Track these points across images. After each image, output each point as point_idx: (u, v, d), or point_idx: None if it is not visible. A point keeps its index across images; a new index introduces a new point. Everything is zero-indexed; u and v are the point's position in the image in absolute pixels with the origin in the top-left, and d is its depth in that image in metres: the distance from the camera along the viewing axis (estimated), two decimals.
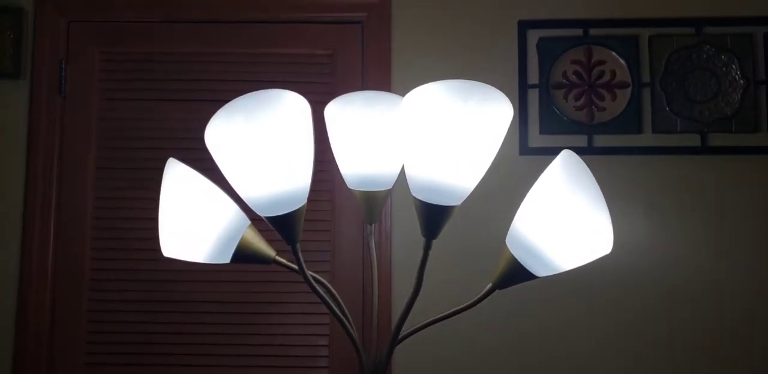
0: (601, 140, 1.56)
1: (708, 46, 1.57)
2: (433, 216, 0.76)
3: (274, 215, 0.78)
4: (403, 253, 1.55)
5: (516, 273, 0.81)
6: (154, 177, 1.59)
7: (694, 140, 1.55)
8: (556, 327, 1.53)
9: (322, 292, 0.86)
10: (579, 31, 1.59)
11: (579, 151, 1.58)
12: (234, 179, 0.77)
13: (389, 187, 0.93)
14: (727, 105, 1.55)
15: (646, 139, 1.56)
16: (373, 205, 0.92)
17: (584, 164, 0.81)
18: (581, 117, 1.56)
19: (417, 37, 1.61)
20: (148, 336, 1.57)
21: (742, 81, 1.55)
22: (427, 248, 0.79)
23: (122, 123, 1.63)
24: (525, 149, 1.56)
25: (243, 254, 0.86)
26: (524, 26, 1.59)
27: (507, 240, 0.82)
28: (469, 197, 0.76)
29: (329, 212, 1.58)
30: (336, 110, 0.93)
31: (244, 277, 1.57)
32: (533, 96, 1.57)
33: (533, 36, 1.59)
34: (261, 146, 0.74)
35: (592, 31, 1.59)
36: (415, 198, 0.77)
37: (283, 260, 0.89)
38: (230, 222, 0.86)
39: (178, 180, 0.87)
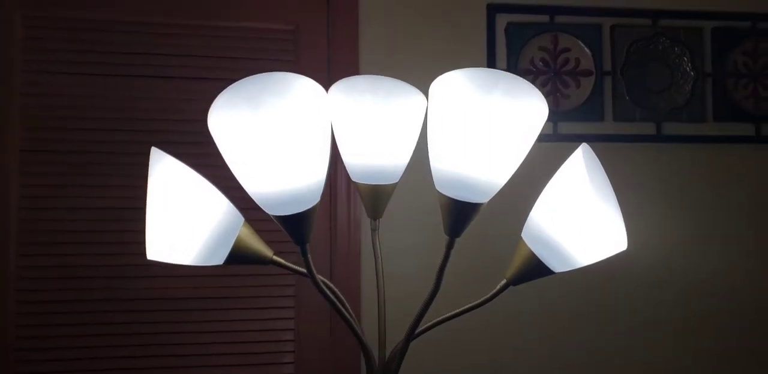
0: (565, 128, 1.58)
1: (663, 38, 1.62)
2: (461, 214, 0.71)
3: (287, 214, 0.69)
4: (389, 249, 1.49)
5: (534, 269, 0.78)
6: (89, 162, 1.43)
7: (651, 129, 1.61)
8: (545, 314, 1.55)
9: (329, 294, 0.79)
10: (546, 18, 1.58)
11: (545, 138, 1.59)
12: (242, 174, 0.68)
13: (396, 180, 0.87)
14: (680, 95, 1.62)
15: (608, 127, 1.59)
16: (379, 199, 0.86)
17: (598, 159, 0.79)
18: (548, 104, 1.56)
19: (385, 16, 1.53)
20: (87, 339, 1.40)
21: (692, 73, 1.62)
22: (450, 247, 0.75)
23: (50, 100, 1.42)
24: None
25: (238, 255, 0.78)
26: (493, 10, 1.56)
27: (523, 234, 0.79)
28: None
29: None
30: (340, 96, 0.85)
31: (197, 271, 1.43)
32: None
33: (502, 20, 1.56)
34: (273, 139, 0.65)
35: (558, 18, 1.59)
36: (440, 194, 0.71)
37: (282, 261, 0.81)
38: (224, 220, 0.77)
39: (166, 174, 0.76)
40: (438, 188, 0.70)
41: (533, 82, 1.56)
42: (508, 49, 1.56)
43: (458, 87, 0.68)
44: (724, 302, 1.62)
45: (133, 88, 1.44)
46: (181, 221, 0.76)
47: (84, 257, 1.41)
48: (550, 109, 1.62)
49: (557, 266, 0.75)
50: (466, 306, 0.79)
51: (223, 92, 0.65)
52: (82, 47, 1.44)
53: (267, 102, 0.65)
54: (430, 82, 0.70)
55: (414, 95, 0.82)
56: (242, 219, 0.77)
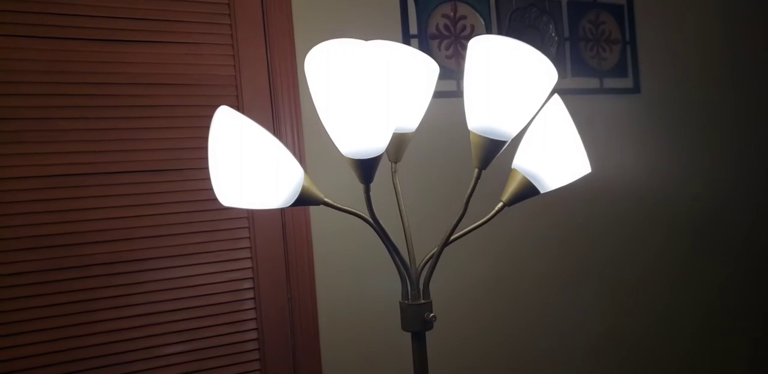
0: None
1: (535, 8, 1.95)
2: (490, 150, 0.92)
3: (366, 158, 0.85)
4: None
5: (524, 191, 1.01)
6: (22, 129, 1.37)
7: None
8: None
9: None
10: None
11: (448, 94, 1.85)
12: (330, 122, 0.82)
13: (414, 129, 1.05)
14: (548, 57, 1.97)
15: None
16: (401, 145, 1.04)
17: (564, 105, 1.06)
18: (452, 65, 1.82)
19: None
20: (46, 309, 1.39)
21: (556, 38, 1.99)
22: (478, 177, 0.96)
23: None
24: None
25: (303, 198, 0.91)
26: None
27: (514, 165, 1.03)
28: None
29: None
30: None
31: (147, 232, 1.48)
32: (414, 45, 1.77)
33: None
34: (369, 93, 0.78)
35: None
36: (474, 134, 0.92)
37: (331, 202, 0.96)
38: (297, 167, 0.89)
39: (244, 128, 0.85)
40: (474, 129, 0.90)
41: (439, 45, 1.81)
42: (418, 16, 1.77)
43: (478, 51, 0.87)
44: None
45: (61, 50, 1.39)
46: (270, 170, 0.85)
47: (31, 228, 1.38)
48: (453, 69, 1.88)
49: (542, 188, 1.00)
50: (472, 226, 1.01)
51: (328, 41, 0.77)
52: (6, 7, 1.34)
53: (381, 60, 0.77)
54: None
55: (426, 58, 1.01)
56: (301, 167, 0.90)
